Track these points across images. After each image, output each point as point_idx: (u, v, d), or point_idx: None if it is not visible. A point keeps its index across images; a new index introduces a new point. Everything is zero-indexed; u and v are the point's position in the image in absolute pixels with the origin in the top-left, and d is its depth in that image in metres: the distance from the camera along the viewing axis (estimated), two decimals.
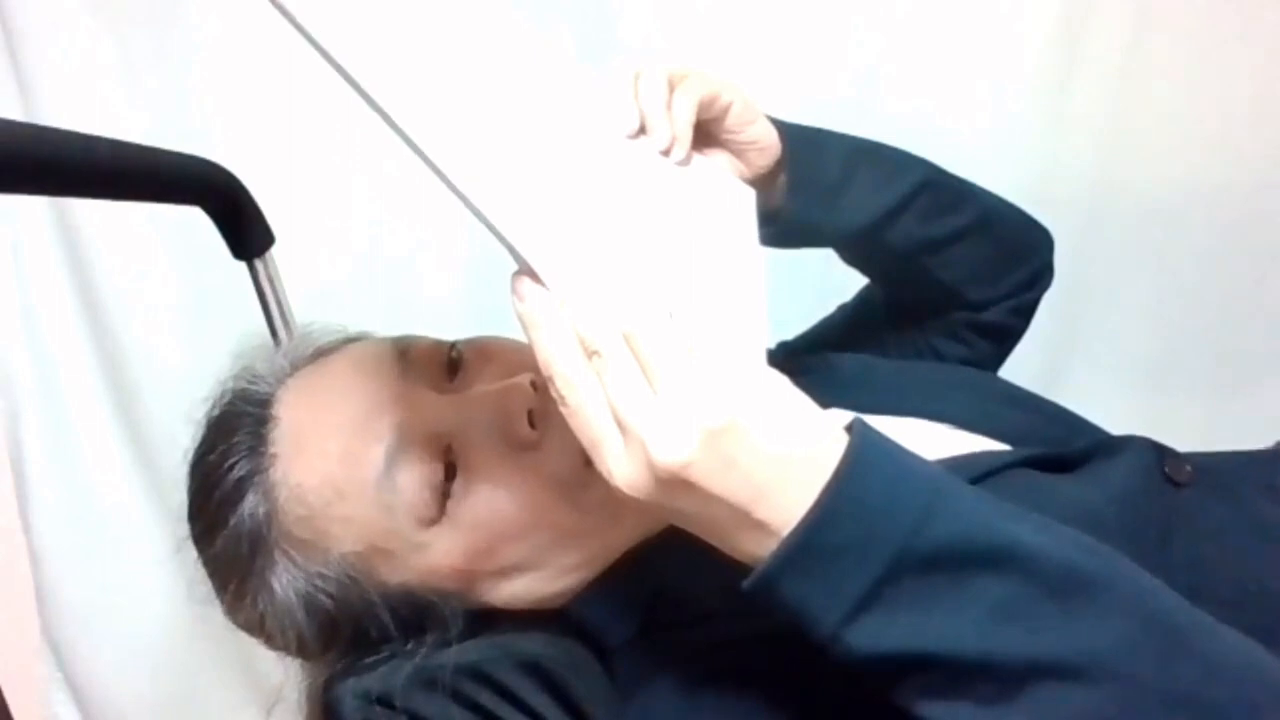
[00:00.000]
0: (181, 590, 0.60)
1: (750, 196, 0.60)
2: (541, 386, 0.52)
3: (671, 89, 0.56)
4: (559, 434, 0.44)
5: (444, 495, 0.54)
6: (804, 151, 0.64)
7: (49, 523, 1.19)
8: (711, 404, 0.40)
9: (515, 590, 0.57)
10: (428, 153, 0.40)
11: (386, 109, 0.39)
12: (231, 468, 0.55)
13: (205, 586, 0.59)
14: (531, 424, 0.54)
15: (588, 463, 0.43)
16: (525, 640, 0.55)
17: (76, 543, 1.20)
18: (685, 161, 0.57)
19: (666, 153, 0.56)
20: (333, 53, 0.39)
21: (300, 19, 0.38)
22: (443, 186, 0.41)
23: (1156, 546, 0.55)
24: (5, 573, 1.21)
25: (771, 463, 0.40)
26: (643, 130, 0.56)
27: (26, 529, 1.19)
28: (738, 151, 0.62)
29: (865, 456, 0.41)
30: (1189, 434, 0.69)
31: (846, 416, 0.44)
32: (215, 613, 0.60)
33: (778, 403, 0.42)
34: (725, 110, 0.59)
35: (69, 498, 1.18)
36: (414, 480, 0.53)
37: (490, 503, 0.54)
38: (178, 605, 1.20)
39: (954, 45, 1.05)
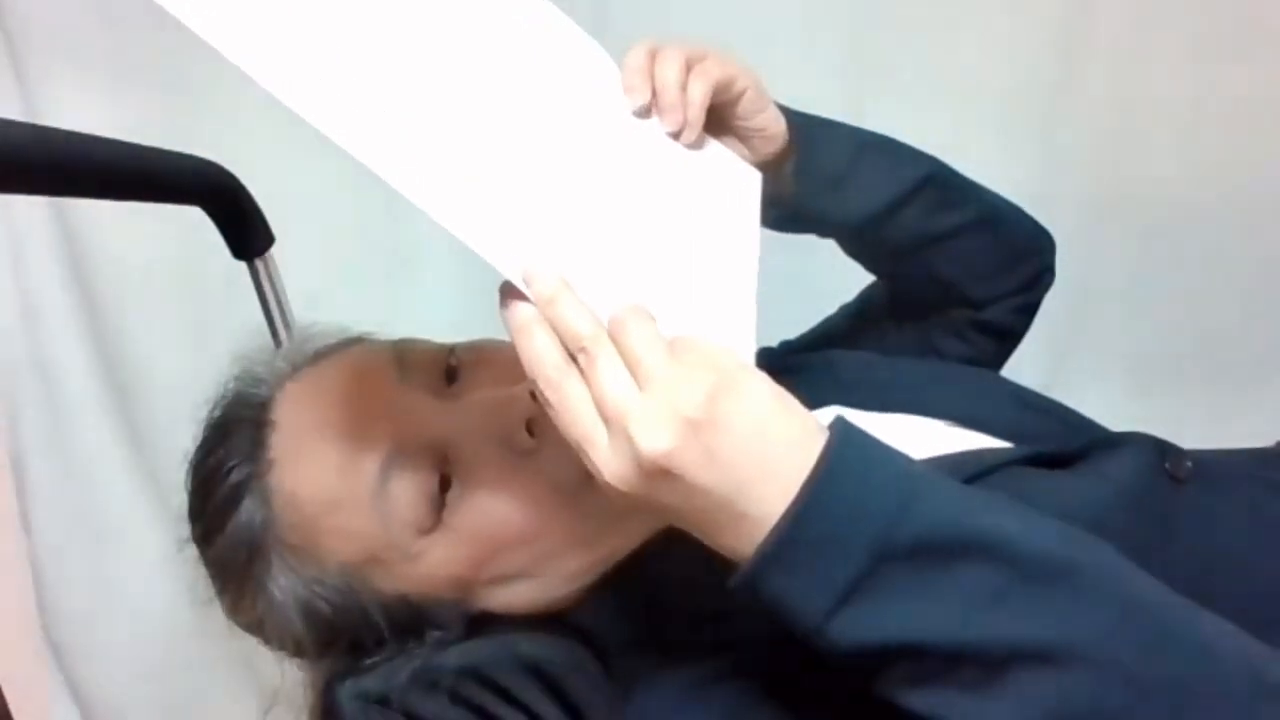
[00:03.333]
0: (181, 590, 0.60)
1: (756, 180, 0.60)
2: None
3: (687, 70, 0.56)
4: (558, 441, 0.44)
5: (440, 504, 0.54)
6: (811, 140, 0.65)
7: (49, 523, 1.19)
8: (694, 394, 0.40)
9: (514, 597, 0.56)
10: (384, 176, 0.41)
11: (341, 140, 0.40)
12: (229, 472, 0.55)
13: (206, 585, 0.59)
14: (530, 433, 0.54)
15: (587, 471, 0.43)
16: (525, 641, 0.55)
17: (76, 543, 1.20)
18: (695, 144, 0.56)
19: (676, 136, 0.55)
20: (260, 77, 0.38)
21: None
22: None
23: (1158, 543, 0.55)
24: (5, 573, 1.21)
25: (753, 454, 0.40)
26: (651, 109, 0.55)
27: (27, 529, 1.19)
28: (744, 137, 0.61)
29: (844, 452, 0.41)
30: (1189, 434, 0.69)
31: (838, 414, 0.44)
32: (215, 612, 0.59)
33: (761, 396, 0.42)
34: (738, 96, 0.59)
35: (69, 498, 1.18)
36: (409, 490, 0.53)
37: (487, 511, 0.54)
38: (177, 605, 1.20)
39: (954, 45, 1.05)
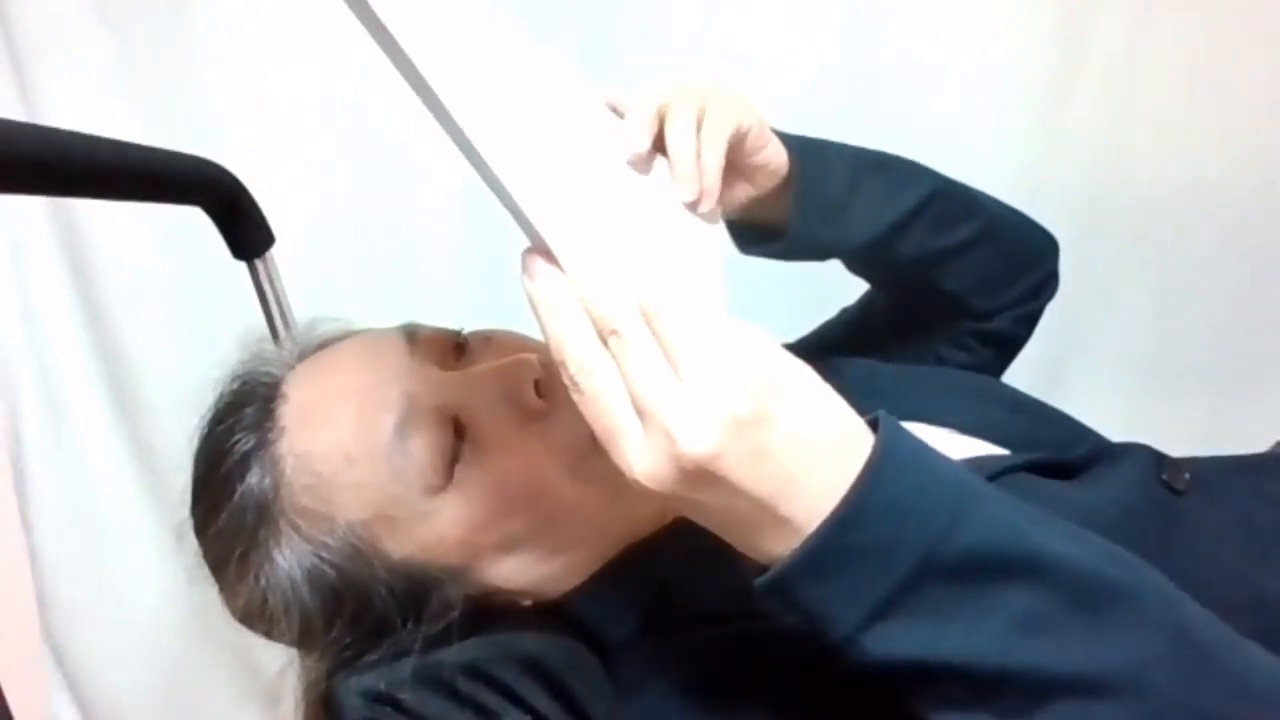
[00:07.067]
0: (181, 590, 0.60)
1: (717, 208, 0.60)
2: (547, 362, 0.51)
3: (698, 125, 0.54)
4: (565, 406, 0.42)
5: (452, 461, 0.54)
6: (810, 167, 0.63)
7: (49, 523, 1.19)
8: (741, 389, 0.37)
9: (515, 567, 0.57)
10: (460, 122, 0.39)
11: (429, 78, 0.38)
12: (237, 442, 0.56)
13: (207, 582, 0.59)
14: (539, 394, 0.55)
15: (594, 435, 0.41)
16: (525, 639, 0.55)
17: (76, 543, 1.20)
18: (711, 217, 0.55)
19: (694, 207, 0.53)
20: (395, 33, 0.38)
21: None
22: (463, 163, 0.40)
23: (1156, 554, 0.54)
24: (5, 573, 1.21)
25: (800, 454, 0.38)
26: (651, 161, 0.54)
27: (27, 529, 1.19)
28: (748, 174, 0.60)
29: (894, 454, 0.39)
30: (1188, 436, 0.69)
31: (881, 412, 0.42)
32: (215, 612, 0.59)
33: (809, 391, 0.40)
34: (743, 137, 0.57)
35: (69, 498, 1.18)
36: (424, 445, 0.54)
37: (496, 470, 0.54)
38: (177, 605, 1.20)
39: (953, 47, 1.05)
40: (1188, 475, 0.61)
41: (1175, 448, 0.66)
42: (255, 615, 0.57)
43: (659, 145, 0.55)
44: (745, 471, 0.37)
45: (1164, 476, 0.61)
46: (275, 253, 0.84)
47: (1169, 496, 0.60)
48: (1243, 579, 0.55)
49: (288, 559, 0.54)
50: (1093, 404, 0.77)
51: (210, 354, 0.62)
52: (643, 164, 0.54)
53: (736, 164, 0.59)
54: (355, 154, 1.09)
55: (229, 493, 0.55)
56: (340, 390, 0.56)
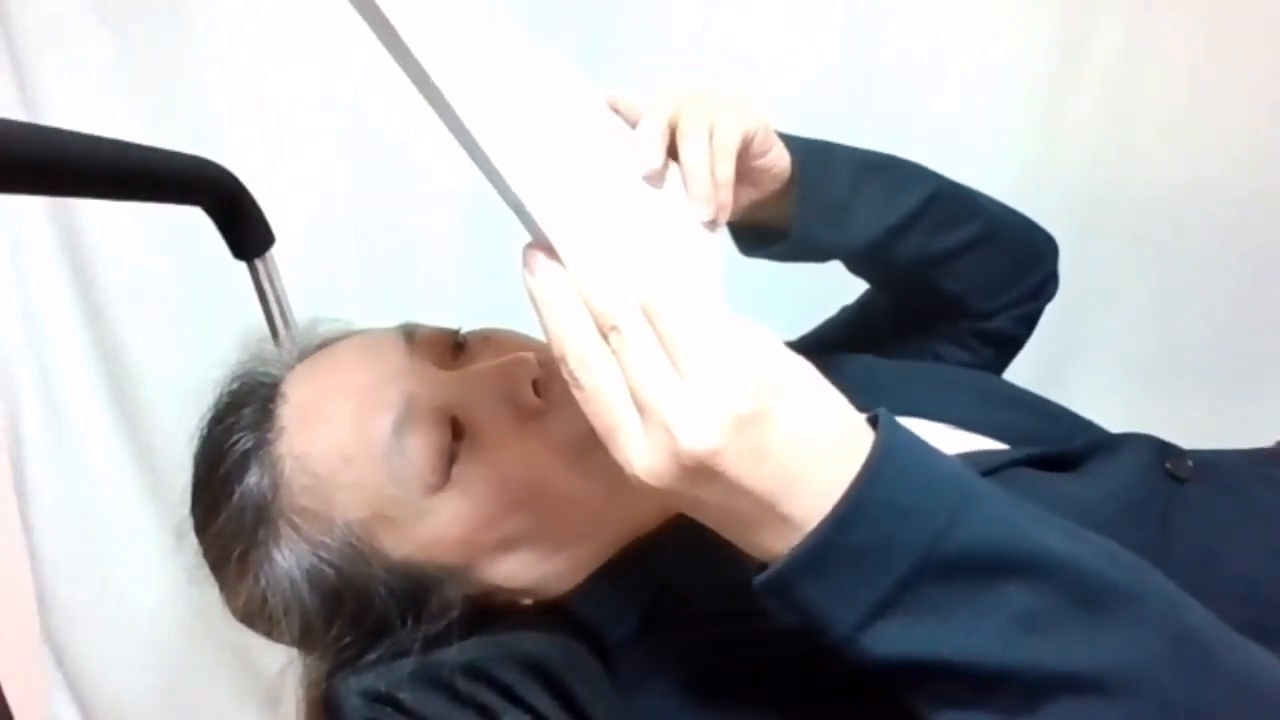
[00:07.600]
0: (181, 590, 0.60)
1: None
2: (545, 361, 0.51)
3: (709, 135, 0.54)
4: (564, 403, 0.42)
5: (450, 460, 0.54)
6: (812, 169, 0.63)
7: (49, 523, 1.19)
8: (742, 387, 0.37)
9: (515, 566, 0.57)
10: (462, 117, 0.39)
11: (432, 73, 0.39)
12: (236, 442, 0.56)
13: (207, 582, 0.59)
14: (537, 393, 0.55)
15: (592, 430, 0.41)
16: (526, 639, 0.55)
17: (76, 543, 1.20)
18: (712, 228, 0.55)
19: (711, 226, 0.53)
20: (397, 27, 0.38)
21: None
22: (464, 163, 0.40)
23: (1158, 542, 0.54)
24: (5, 573, 1.21)
25: (800, 452, 0.38)
26: (665, 175, 0.54)
27: (26, 529, 1.19)
28: (752, 177, 0.60)
29: (894, 453, 0.39)
30: (1189, 434, 0.69)
31: (882, 410, 0.42)
32: (216, 611, 0.59)
33: (810, 389, 0.40)
34: (749, 142, 0.57)
35: (69, 498, 1.18)
36: (422, 445, 0.54)
37: (495, 469, 0.54)
38: (178, 604, 1.20)
39: (953, 47, 1.05)
40: (1190, 463, 0.61)
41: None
42: (255, 615, 0.57)
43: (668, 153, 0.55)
44: (745, 469, 0.38)
45: (1167, 465, 0.61)
46: (275, 253, 0.85)
47: (1172, 484, 0.60)
48: (1246, 567, 0.55)
49: (287, 559, 0.54)
50: (1093, 404, 0.77)
51: (210, 354, 0.62)
52: (658, 179, 0.53)
53: (741, 168, 0.58)
54: (355, 154, 1.09)
55: (228, 493, 0.55)
56: (339, 390, 0.56)
